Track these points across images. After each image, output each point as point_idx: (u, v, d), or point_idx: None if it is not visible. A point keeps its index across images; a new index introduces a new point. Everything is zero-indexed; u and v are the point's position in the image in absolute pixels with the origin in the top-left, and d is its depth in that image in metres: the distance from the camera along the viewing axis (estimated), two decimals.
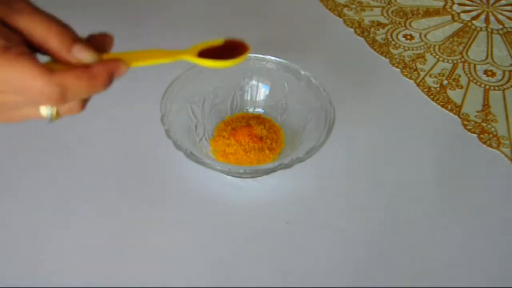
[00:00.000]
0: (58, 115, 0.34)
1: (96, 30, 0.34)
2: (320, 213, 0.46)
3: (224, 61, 0.39)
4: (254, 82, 0.52)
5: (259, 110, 0.52)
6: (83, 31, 0.33)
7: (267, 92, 0.52)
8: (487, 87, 0.59)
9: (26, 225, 0.44)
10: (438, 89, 0.58)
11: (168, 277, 0.41)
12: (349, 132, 0.52)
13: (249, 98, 0.52)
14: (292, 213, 0.45)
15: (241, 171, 0.44)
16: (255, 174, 0.46)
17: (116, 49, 0.35)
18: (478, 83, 0.60)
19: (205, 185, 0.47)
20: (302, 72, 0.49)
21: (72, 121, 0.52)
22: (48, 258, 0.42)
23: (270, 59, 0.51)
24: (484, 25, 0.69)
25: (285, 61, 0.50)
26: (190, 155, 0.42)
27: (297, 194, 0.47)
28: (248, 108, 0.53)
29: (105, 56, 0.34)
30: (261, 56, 0.51)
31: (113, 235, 0.43)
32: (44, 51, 0.32)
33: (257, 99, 0.52)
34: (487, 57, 0.63)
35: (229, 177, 0.48)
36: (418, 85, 0.59)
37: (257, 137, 0.48)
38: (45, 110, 0.34)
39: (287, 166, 0.43)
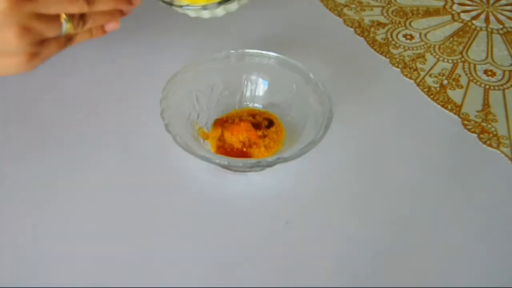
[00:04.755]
0: (71, 29, 0.38)
1: None
2: (320, 213, 0.46)
3: None
4: (259, 79, 0.52)
5: (259, 106, 0.52)
6: None
7: (266, 89, 0.52)
8: (487, 87, 0.59)
9: (25, 224, 0.44)
10: (438, 89, 0.58)
11: (167, 277, 0.41)
12: (348, 131, 0.52)
13: (256, 94, 0.52)
14: (292, 213, 0.45)
15: (240, 164, 0.44)
16: (250, 168, 0.46)
17: None
18: (478, 83, 0.60)
19: (204, 185, 0.47)
20: (300, 66, 0.50)
21: (71, 120, 0.52)
22: (47, 258, 0.42)
23: (273, 55, 0.51)
24: (484, 25, 0.69)
25: (288, 59, 0.51)
26: (188, 148, 0.43)
27: (297, 193, 0.47)
28: (250, 104, 0.52)
29: None
30: (265, 52, 0.51)
31: (112, 234, 0.43)
32: None
33: (257, 95, 0.52)
34: (487, 57, 0.63)
35: (228, 176, 0.48)
36: (418, 85, 0.59)
37: (255, 134, 0.48)
38: (63, 20, 0.37)
39: (286, 159, 0.43)
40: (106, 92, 0.56)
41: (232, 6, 0.48)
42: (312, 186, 0.48)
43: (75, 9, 0.37)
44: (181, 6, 0.47)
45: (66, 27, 0.37)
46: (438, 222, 0.45)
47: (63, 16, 0.37)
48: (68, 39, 0.39)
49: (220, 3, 0.46)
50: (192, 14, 0.48)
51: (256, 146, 0.47)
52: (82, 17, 0.38)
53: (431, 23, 0.69)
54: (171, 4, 0.47)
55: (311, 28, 0.67)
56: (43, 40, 0.37)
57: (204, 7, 0.47)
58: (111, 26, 0.42)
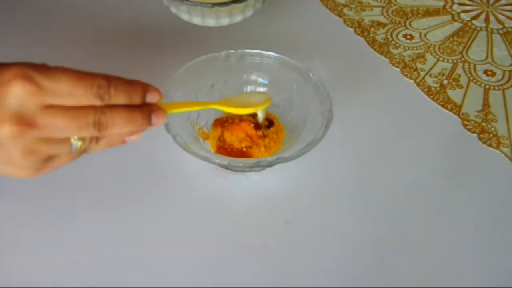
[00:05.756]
0: (83, 146, 0.35)
1: None
2: (320, 213, 0.46)
3: (247, 108, 0.46)
4: (259, 79, 0.52)
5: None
6: None
7: (266, 89, 0.52)
8: (487, 87, 0.59)
9: (25, 225, 0.44)
10: (438, 89, 0.58)
11: (167, 277, 0.41)
12: (348, 132, 0.52)
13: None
14: (292, 213, 0.45)
15: (240, 164, 0.44)
16: (250, 168, 0.46)
17: None
18: (478, 83, 0.60)
19: (204, 185, 0.47)
20: (300, 66, 0.50)
21: None
22: (46, 258, 0.42)
23: (273, 55, 0.51)
24: (484, 25, 0.69)
25: (288, 59, 0.50)
26: (188, 148, 0.43)
27: (297, 193, 0.47)
28: None
29: None
30: (265, 52, 0.51)
31: (111, 234, 0.43)
32: None
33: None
34: (487, 57, 0.63)
35: (228, 176, 0.48)
36: (418, 85, 0.59)
37: (256, 133, 0.48)
38: (73, 140, 0.34)
39: (286, 159, 0.43)
40: None
41: (238, 17, 0.48)
42: (312, 186, 0.48)
43: (86, 135, 0.34)
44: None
45: (77, 145, 0.35)
46: (438, 222, 0.45)
47: (73, 137, 0.34)
48: (82, 151, 0.36)
49: (227, 3, 0.46)
50: (198, 21, 0.48)
51: (256, 146, 0.47)
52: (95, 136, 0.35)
53: (431, 23, 0.69)
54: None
55: (311, 28, 0.67)
56: (52, 156, 0.35)
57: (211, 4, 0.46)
58: (132, 137, 0.38)
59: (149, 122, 0.36)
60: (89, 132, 0.34)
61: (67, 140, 0.34)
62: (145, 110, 0.36)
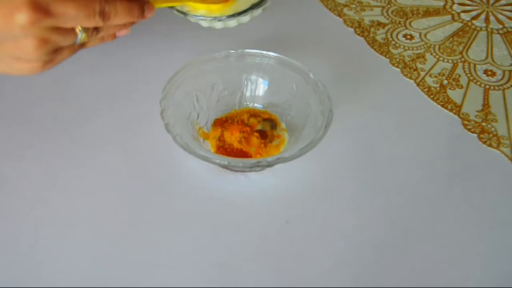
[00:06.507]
0: (86, 38, 0.38)
1: None
2: (320, 213, 0.46)
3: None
4: (259, 79, 0.52)
5: (259, 106, 0.52)
6: None
7: (266, 89, 0.52)
8: (487, 87, 0.59)
9: (25, 225, 0.44)
10: (438, 89, 0.58)
11: (167, 277, 0.41)
12: (348, 131, 0.52)
13: (256, 94, 0.53)
14: (292, 213, 0.45)
15: (240, 164, 0.44)
16: (250, 168, 0.46)
17: None
18: (478, 83, 0.60)
19: (204, 185, 0.47)
20: (300, 66, 0.50)
21: (71, 120, 0.52)
22: (47, 258, 0.42)
23: (273, 55, 0.51)
24: (484, 25, 0.69)
25: (288, 59, 0.51)
26: (188, 148, 0.43)
27: (297, 193, 0.47)
28: (250, 104, 0.52)
29: None
30: (265, 52, 0.51)
31: (112, 234, 0.43)
32: None
33: (257, 95, 0.52)
34: (487, 57, 0.63)
35: (228, 176, 0.48)
36: (418, 85, 0.59)
37: (251, 134, 0.48)
38: (78, 31, 0.37)
39: (286, 159, 0.43)
40: (107, 92, 0.56)
41: (245, 18, 0.48)
42: (312, 186, 0.48)
43: (91, 24, 0.37)
44: (194, 16, 0.47)
45: (81, 37, 0.38)
46: (438, 222, 0.45)
47: (79, 27, 0.38)
48: (81, 45, 0.40)
49: (233, 16, 0.46)
50: (204, 24, 0.48)
51: (254, 146, 0.47)
52: (96, 28, 0.39)
53: (431, 23, 0.69)
54: (185, 14, 0.47)
55: (311, 28, 0.67)
56: (58, 48, 0.38)
57: (218, 19, 0.47)
58: (122, 32, 0.43)
59: (142, 14, 0.40)
60: (94, 22, 0.37)
61: (73, 31, 0.37)
62: (139, 3, 0.40)
